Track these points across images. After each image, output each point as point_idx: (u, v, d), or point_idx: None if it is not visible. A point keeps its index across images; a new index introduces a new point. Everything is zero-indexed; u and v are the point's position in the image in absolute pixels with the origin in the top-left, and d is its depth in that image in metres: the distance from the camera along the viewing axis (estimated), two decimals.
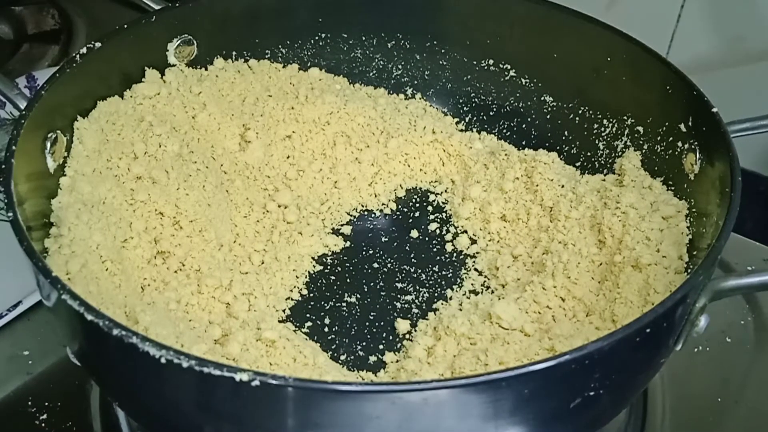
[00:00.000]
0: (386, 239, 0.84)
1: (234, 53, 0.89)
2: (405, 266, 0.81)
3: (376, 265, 0.81)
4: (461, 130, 0.92)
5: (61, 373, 0.75)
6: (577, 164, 0.86)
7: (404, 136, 0.88)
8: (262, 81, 0.89)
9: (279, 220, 0.82)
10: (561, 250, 0.76)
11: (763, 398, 0.76)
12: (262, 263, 0.78)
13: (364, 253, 0.82)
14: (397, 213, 0.86)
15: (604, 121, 0.85)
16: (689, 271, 0.69)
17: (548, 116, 0.89)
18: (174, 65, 0.84)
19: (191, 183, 0.77)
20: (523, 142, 0.90)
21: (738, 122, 0.74)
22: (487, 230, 0.83)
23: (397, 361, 0.71)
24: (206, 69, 0.87)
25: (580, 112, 0.87)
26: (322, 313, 0.76)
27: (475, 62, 0.91)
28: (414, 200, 0.88)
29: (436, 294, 0.78)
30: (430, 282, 0.79)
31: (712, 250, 0.60)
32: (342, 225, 0.84)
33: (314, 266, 0.80)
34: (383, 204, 0.87)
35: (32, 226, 0.65)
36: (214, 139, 0.83)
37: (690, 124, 0.75)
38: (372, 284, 0.79)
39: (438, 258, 0.82)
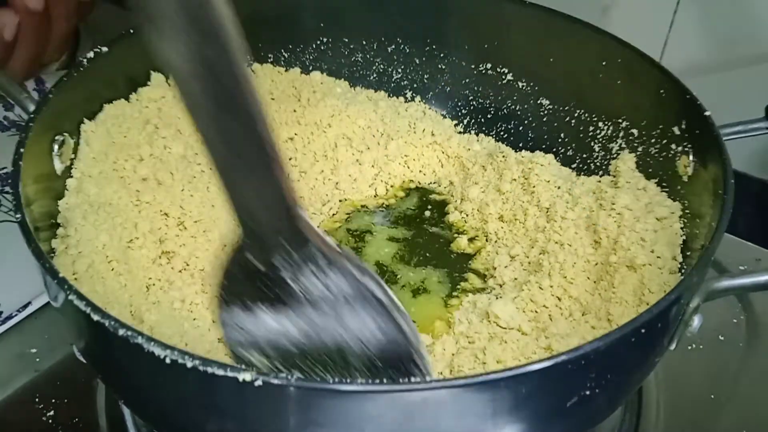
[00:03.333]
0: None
1: None
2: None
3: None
4: (460, 133, 0.93)
5: (68, 370, 0.75)
6: (573, 166, 0.87)
7: (404, 139, 0.89)
8: (264, 84, 0.89)
9: None
10: (557, 251, 0.76)
11: (755, 395, 0.77)
12: None
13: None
14: None
15: (600, 124, 0.85)
16: (683, 271, 0.70)
17: (545, 119, 0.90)
18: None
19: (195, 184, 0.78)
20: (520, 144, 0.91)
21: (730, 125, 0.74)
22: (485, 231, 0.84)
23: None
24: None
25: (576, 115, 0.87)
26: None
27: (473, 66, 0.92)
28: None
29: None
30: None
31: (705, 251, 0.60)
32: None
33: None
34: (384, 205, 0.88)
35: (40, 226, 0.66)
36: None
37: (683, 127, 0.75)
38: None
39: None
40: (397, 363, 0.53)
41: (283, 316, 0.52)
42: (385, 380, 0.53)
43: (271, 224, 0.50)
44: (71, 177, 0.73)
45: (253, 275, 0.52)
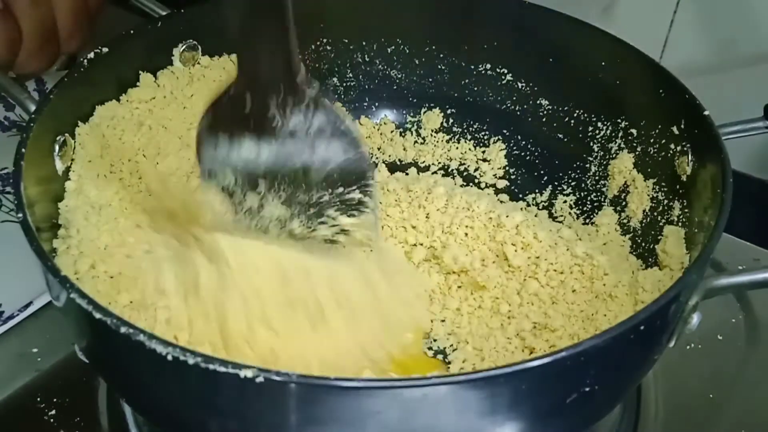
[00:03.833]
0: None
1: None
2: None
3: None
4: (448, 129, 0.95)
5: (69, 369, 0.75)
6: (574, 165, 0.88)
7: None
8: None
9: None
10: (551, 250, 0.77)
11: (754, 394, 0.77)
12: None
13: None
14: None
15: (599, 124, 0.86)
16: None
17: (544, 119, 0.90)
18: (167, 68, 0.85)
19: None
20: (522, 144, 0.92)
21: (729, 125, 0.75)
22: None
23: None
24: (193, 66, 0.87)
25: (575, 115, 0.87)
26: None
27: (472, 66, 0.92)
28: None
29: None
30: None
31: (704, 249, 0.61)
32: None
33: None
34: None
35: (41, 227, 0.66)
36: None
37: (682, 126, 0.75)
38: None
39: None
40: (353, 181, 0.66)
41: (259, 143, 0.64)
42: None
43: (276, 73, 0.61)
44: (70, 179, 0.73)
45: (241, 109, 0.63)
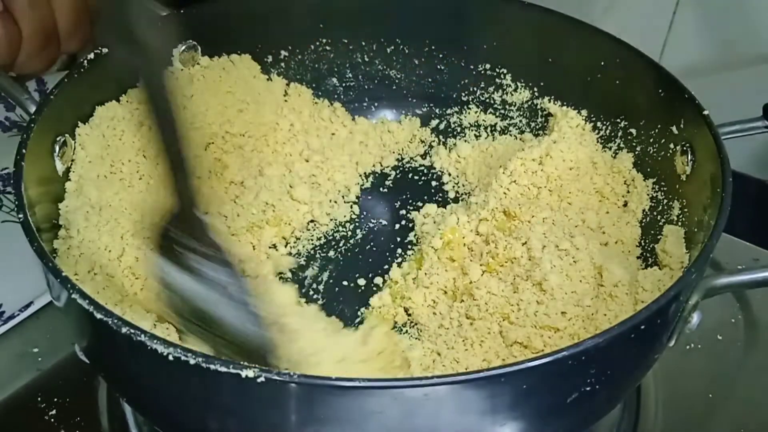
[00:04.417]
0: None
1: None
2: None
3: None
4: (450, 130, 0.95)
5: (70, 369, 0.75)
6: None
7: None
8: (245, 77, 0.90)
9: None
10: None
11: (753, 394, 0.77)
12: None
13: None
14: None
15: (598, 124, 0.86)
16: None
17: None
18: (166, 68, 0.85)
19: None
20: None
21: (728, 125, 0.75)
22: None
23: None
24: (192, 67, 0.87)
25: None
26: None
27: (472, 66, 0.92)
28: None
29: None
30: None
31: (704, 248, 0.61)
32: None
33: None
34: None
35: (42, 227, 0.66)
36: None
37: (681, 126, 0.75)
38: None
39: None
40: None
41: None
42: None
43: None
44: (70, 180, 0.73)
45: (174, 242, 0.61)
